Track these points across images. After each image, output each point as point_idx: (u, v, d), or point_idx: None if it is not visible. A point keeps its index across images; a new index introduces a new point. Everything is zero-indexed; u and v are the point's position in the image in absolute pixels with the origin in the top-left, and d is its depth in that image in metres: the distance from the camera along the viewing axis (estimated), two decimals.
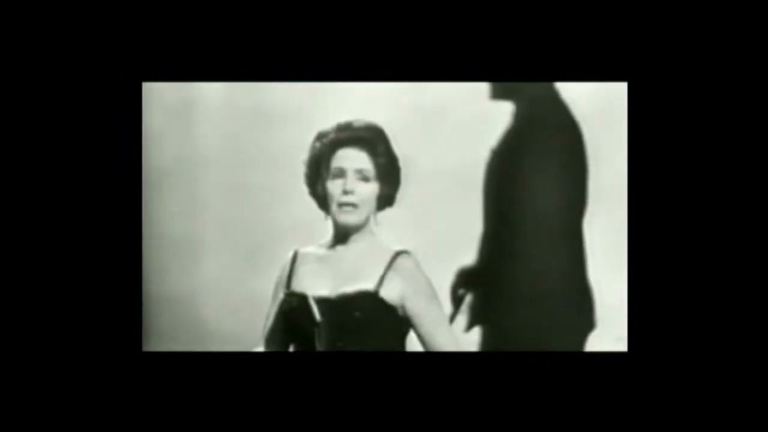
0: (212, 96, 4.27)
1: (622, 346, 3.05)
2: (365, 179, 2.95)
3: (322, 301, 2.90)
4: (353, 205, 2.94)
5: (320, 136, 2.99)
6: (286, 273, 3.03)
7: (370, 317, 2.89)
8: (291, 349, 2.99)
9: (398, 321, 2.92)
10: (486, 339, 3.95)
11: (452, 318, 3.91)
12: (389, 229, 3.04)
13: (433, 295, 2.95)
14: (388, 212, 3.06)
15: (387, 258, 2.94)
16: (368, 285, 2.91)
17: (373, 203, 2.97)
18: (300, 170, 3.06)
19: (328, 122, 3.04)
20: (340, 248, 2.99)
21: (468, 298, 3.96)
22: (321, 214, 3.03)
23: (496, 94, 3.89)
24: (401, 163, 3.03)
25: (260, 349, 3.03)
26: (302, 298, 2.92)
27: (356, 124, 2.98)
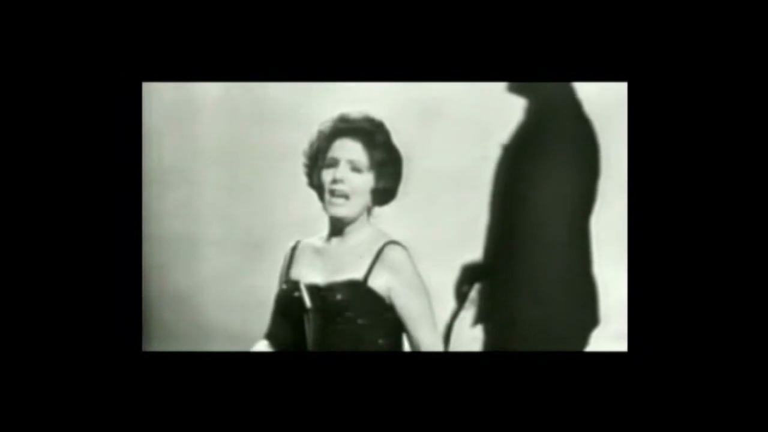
0: (212, 96, 4.27)
1: (623, 343, 3.05)
2: (357, 170, 2.96)
3: (312, 289, 2.92)
4: (344, 196, 2.95)
5: (320, 126, 3.01)
6: (286, 262, 3.08)
7: (357, 305, 2.90)
8: (286, 335, 3.00)
9: (385, 311, 2.93)
10: (490, 335, 3.95)
11: (456, 314, 3.92)
12: (391, 230, 3.04)
13: (420, 288, 2.95)
14: (391, 209, 3.06)
15: (377, 247, 2.94)
16: (357, 274, 2.92)
17: (366, 196, 2.98)
18: (299, 169, 3.07)
19: None
20: (336, 240, 3.01)
21: (472, 294, 3.96)
22: (320, 212, 3.03)
23: (511, 90, 3.89)
24: (403, 158, 3.03)
25: (261, 340, 3.04)
26: (295, 285, 2.95)
27: (355, 116, 2.99)
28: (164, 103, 4.27)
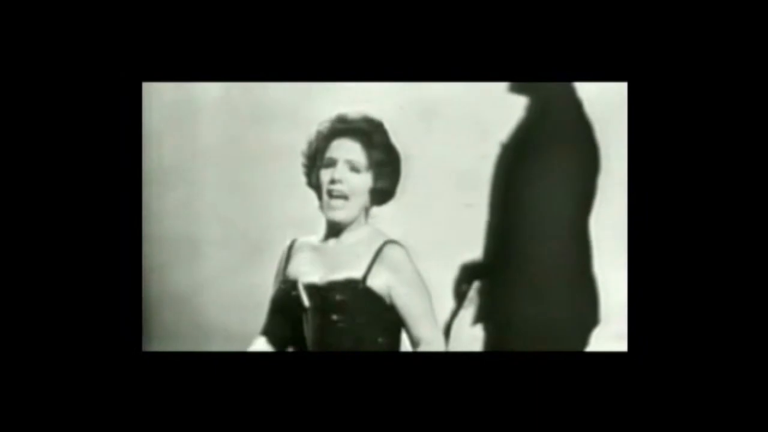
0: (212, 96, 4.27)
1: (623, 343, 3.05)
2: (355, 170, 2.96)
3: (310, 288, 2.92)
4: (343, 197, 2.95)
5: (319, 127, 3.01)
6: (282, 261, 3.08)
7: (356, 304, 2.91)
8: (283, 334, 3.00)
9: (385, 309, 2.93)
10: (490, 334, 3.96)
11: (456, 313, 3.92)
12: (391, 229, 3.04)
13: (420, 286, 2.95)
14: (390, 208, 3.06)
15: (375, 247, 2.94)
16: (356, 273, 2.92)
17: (364, 196, 2.98)
18: (299, 169, 3.07)
19: None
20: (333, 239, 3.01)
21: (471, 293, 3.96)
22: (319, 212, 3.03)
23: (510, 89, 3.89)
24: (402, 158, 3.03)
25: (258, 337, 3.04)
26: (293, 284, 2.95)
27: (354, 116, 2.99)
28: (164, 103, 4.27)
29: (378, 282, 2.93)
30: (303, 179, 3.07)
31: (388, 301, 2.94)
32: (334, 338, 2.91)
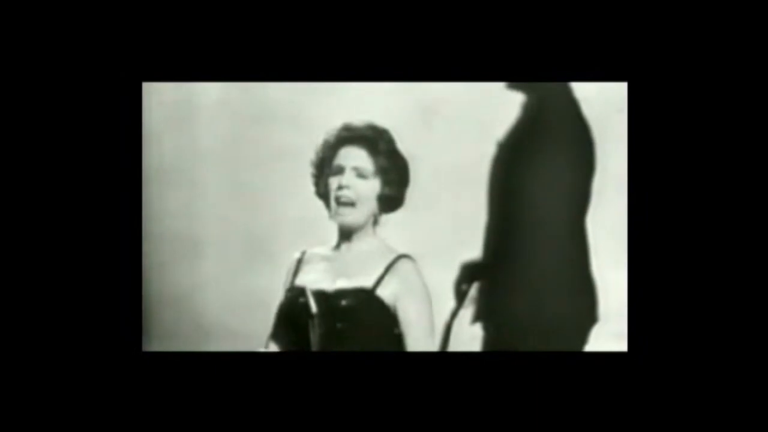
0: (212, 96, 4.27)
1: (623, 343, 3.05)
2: (363, 177, 2.98)
3: (319, 294, 2.93)
4: (351, 203, 2.96)
5: (326, 136, 3.02)
6: (291, 271, 3.08)
7: (363, 312, 2.91)
8: (289, 341, 3.00)
9: (389, 319, 2.94)
10: (489, 333, 3.95)
11: (456, 312, 3.92)
12: (391, 229, 3.04)
13: (423, 295, 2.97)
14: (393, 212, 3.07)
15: (388, 260, 2.96)
16: (366, 283, 2.93)
17: (372, 202, 2.99)
18: (299, 169, 3.08)
19: (328, 122, 3.06)
20: (344, 249, 3.02)
21: (472, 293, 3.96)
22: (320, 212, 3.04)
23: (509, 87, 3.89)
24: (409, 165, 3.04)
25: (263, 347, 3.04)
26: (301, 291, 2.95)
27: (359, 124, 3.01)
28: (164, 103, 4.27)
29: (386, 292, 2.94)
30: (304, 179, 3.07)
31: (392, 310, 2.95)
32: (338, 346, 2.92)
